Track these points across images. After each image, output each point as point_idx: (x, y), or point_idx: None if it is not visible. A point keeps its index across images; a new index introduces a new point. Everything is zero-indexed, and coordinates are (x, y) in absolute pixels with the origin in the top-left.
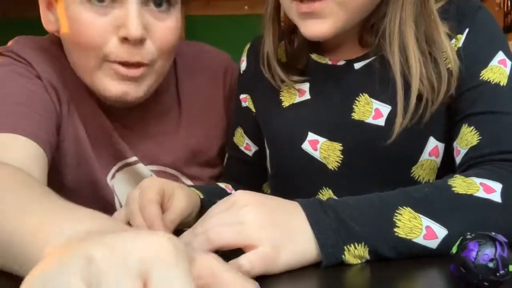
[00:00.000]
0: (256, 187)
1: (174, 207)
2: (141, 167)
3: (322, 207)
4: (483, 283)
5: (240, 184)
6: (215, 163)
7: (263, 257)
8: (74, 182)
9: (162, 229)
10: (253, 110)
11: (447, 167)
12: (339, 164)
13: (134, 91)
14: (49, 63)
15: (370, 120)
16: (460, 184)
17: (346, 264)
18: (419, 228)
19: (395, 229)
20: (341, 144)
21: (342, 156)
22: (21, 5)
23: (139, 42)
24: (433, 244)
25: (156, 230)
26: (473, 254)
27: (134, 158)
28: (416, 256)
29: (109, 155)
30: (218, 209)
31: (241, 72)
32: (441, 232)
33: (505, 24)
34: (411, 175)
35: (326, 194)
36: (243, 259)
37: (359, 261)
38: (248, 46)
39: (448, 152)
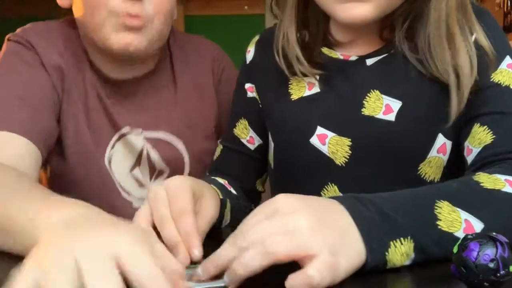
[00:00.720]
0: (250, 183)
1: (204, 216)
2: (135, 137)
3: (360, 200)
4: (483, 283)
5: (233, 178)
6: (212, 136)
7: (328, 266)
8: (74, 154)
9: (198, 243)
10: (259, 101)
11: (453, 165)
12: (346, 160)
13: (136, 41)
14: (54, 44)
15: (380, 115)
16: (486, 180)
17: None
18: (458, 221)
19: (438, 222)
20: (350, 140)
21: (350, 152)
22: (21, 5)
23: None
24: None
25: (192, 244)
26: (474, 254)
27: (128, 128)
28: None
29: (106, 127)
30: (259, 216)
31: (247, 62)
32: (478, 226)
33: (505, 24)
34: (418, 172)
35: (331, 190)
36: (311, 270)
37: (404, 261)
38: (256, 38)
39: (454, 151)
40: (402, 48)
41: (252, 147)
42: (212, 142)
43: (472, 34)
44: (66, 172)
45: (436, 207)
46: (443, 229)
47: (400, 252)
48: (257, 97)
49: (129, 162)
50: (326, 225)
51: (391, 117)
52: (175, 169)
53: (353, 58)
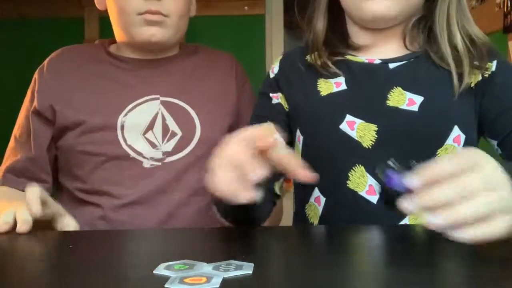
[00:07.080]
0: (269, 182)
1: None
2: (152, 103)
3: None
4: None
5: None
6: (234, 112)
7: None
8: (88, 123)
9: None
10: (286, 106)
11: None
12: (373, 143)
13: (158, 34)
14: (64, 65)
15: (404, 106)
16: None
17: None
18: None
19: None
20: (376, 126)
21: (376, 136)
22: (22, 5)
23: None
24: None
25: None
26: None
27: (146, 97)
28: None
29: (123, 96)
30: (457, 167)
31: (271, 77)
32: None
33: (505, 24)
34: (437, 156)
35: (358, 170)
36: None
37: None
38: (280, 57)
39: (467, 144)
40: (427, 49)
41: None
42: (227, 118)
43: (471, 30)
44: (78, 143)
45: None
46: None
47: None
48: (282, 103)
49: (142, 126)
50: None
51: (415, 108)
52: (187, 132)
53: (377, 61)
